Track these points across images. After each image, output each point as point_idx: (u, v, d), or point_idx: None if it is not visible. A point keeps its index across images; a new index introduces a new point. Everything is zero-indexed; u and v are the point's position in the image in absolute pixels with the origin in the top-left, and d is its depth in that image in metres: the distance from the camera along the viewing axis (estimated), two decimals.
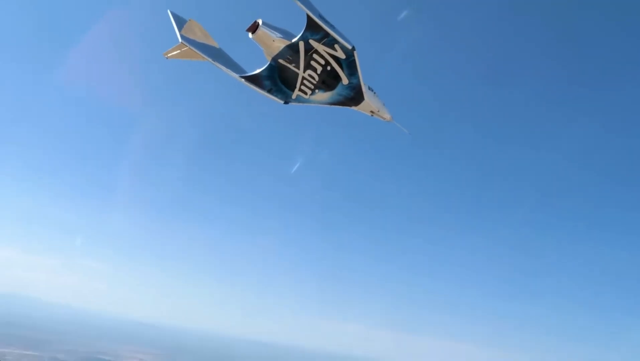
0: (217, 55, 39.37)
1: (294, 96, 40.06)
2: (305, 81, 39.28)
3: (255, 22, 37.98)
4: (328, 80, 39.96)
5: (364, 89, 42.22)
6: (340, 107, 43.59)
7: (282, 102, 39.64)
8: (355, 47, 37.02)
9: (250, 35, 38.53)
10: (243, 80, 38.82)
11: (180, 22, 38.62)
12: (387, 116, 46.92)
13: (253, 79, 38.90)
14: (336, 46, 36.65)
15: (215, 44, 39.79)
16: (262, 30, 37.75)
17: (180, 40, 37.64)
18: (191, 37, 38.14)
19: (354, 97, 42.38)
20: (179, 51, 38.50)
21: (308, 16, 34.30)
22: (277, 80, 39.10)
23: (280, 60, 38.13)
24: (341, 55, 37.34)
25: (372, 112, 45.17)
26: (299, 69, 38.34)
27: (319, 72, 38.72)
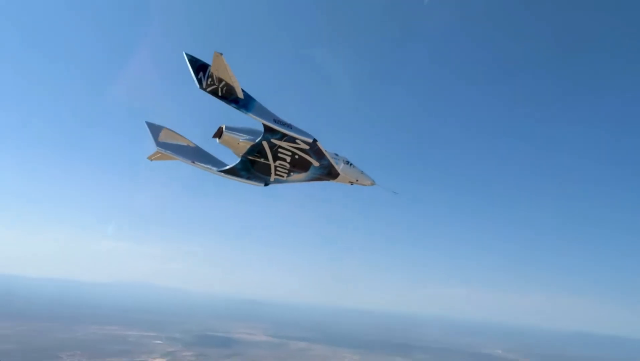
0: (194, 153, 42.05)
1: (271, 179, 42.08)
2: (278, 169, 41.65)
3: (220, 127, 40.37)
4: (299, 165, 42.11)
5: (337, 167, 44.05)
6: (320, 181, 45.26)
7: (262, 184, 41.68)
8: (316, 139, 39.73)
9: (217, 140, 40.88)
10: (222, 173, 41.18)
11: (156, 130, 41.34)
12: (368, 182, 47.56)
13: (230, 172, 41.10)
14: (298, 140, 39.38)
15: (192, 143, 42.45)
16: (226, 134, 40.20)
17: (156, 148, 40.61)
18: (168, 141, 41.18)
19: (329, 173, 44.30)
20: (159, 155, 40.96)
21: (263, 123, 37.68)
22: (252, 170, 41.28)
23: (249, 157, 40.47)
24: (305, 146, 40.11)
25: (350, 182, 46.20)
26: (268, 161, 40.78)
27: (288, 160, 41.16)
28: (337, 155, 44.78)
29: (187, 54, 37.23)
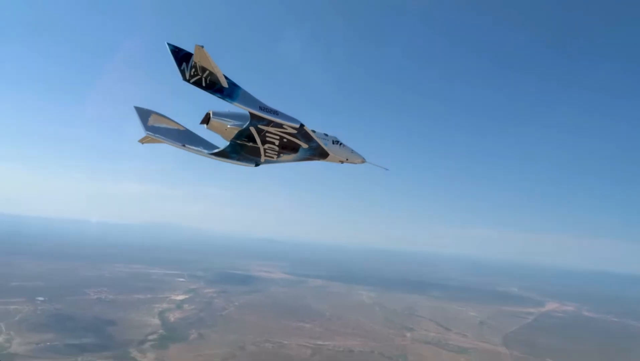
0: (184, 136, 42.42)
1: (262, 160, 42.52)
2: (267, 151, 41.97)
3: (207, 113, 40.24)
4: (288, 148, 42.44)
5: (326, 147, 44.51)
6: (310, 161, 45.98)
7: (253, 165, 42.52)
8: (303, 124, 39.83)
9: (205, 126, 40.71)
10: (212, 156, 41.49)
11: (145, 115, 42.26)
12: (358, 160, 48.31)
13: (221, 154, 41.38)
14: (285, 125, 39.61)
15: (181, 127, 42.95)
16: (214, 120, 40.19)
17: (145, 132, 41.38)
18: (157, 125, 41.95)
19: (319, 154, 44.83)
20: (149, 138, 41.40)
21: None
22: (242, 152, 41.59)
23: (238, 141, 40.77)
24: (292, 131, 40.35)
25: (341, 161, 47.17)
26: (257, 144, 41.08)
27: (277, 143, 41.42)
28: (326, 135, 45.53)
29: (169, 44, 36.57)
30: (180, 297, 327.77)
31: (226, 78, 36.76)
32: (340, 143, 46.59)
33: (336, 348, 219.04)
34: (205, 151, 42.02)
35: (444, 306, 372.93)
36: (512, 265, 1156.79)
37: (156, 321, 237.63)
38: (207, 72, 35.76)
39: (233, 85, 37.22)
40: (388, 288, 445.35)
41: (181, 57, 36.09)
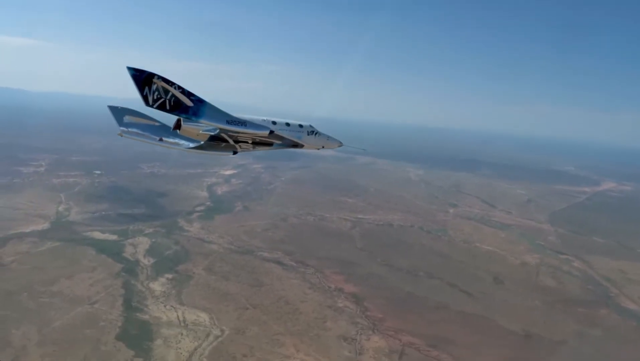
0: (161, 130, 43.20)
1: (238, 150, 43.75)
2: (242, 146, 43.46)
3: (178, 119, 39.17)
4: (262, 145, 43.86)
5: (300, 140, 45.63)
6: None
7: (230, 154, 44.03)
8: (272, 130, 41.17)
9: (178, 132, 40.08)
10: (190, 150, 42.85)
11: (119, 113, 43.93)
12: (335, 145, 50.05)
13: (199, 148, 42.33)
14: (254, 132, 40.52)
15: (156, 122, 43.44)
16: (185, 126, 39.54)
17: (120, 132, 43.30)
18: (132, 122, 43.16)
19: (294, 145, 46.12)
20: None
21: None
22: (218, 148, 42.71)
23: (212, 142, 41.67)
24: (263, 135, 41.18)
25: (317, 148, 48.48)
26: (231, 143, 42.19)
27: (250, 142, 42.79)
28: (301, 126, 46.22)
29: (129, 68, 35.47)
30: (229, 172, 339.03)
31: (191, 95, 36.89)
32: (316, 133, 47.65)
33: (376, 221, 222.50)
34: (183, 145, 42.96)
35: (493, 184, 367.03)
36: (571, 143, 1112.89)
37: (204, 194, 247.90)
38: (170, 93, 35.82)
39: (198, 102, 37.44)
40: (436, 166, 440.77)
41: (143, 79, 35.46)
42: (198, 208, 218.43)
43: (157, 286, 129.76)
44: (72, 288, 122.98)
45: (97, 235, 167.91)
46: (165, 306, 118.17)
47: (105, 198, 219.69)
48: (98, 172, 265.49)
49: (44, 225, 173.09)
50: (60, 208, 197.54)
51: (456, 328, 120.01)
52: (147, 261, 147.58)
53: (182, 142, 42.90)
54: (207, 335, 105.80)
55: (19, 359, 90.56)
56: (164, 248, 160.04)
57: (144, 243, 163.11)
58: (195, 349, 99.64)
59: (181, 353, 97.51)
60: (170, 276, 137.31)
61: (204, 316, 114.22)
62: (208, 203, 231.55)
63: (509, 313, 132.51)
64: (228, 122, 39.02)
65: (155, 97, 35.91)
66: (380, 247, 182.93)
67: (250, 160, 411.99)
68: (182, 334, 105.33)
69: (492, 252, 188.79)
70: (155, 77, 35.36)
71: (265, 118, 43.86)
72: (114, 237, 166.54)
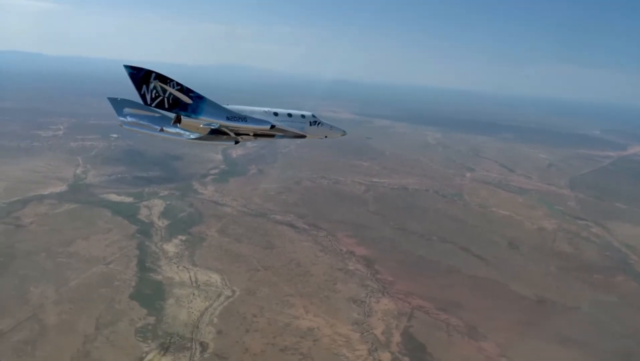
0: (161, 121, 43.70)
1: (240, 141, 44.09)
2: (243, 138, 43.79)
3: (177, 115, 38.41)
4: (264, 137, 44.36)
5: (303, 131, 45.90)
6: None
7: (232, 143, 44.28)
8: (273, 125, 41.80)
9: (178, 125, 39.66)
10: (191, 141, 43.45)
11: (119, 105, 44.58)
12: (339, 134, 50.70)
13: (200, 139, 42.51)
14: (255, 127, 41.51)
15: (156, 113, 42.96)
16: (186, 120, 38.67)
17: (120, 123, 44.73)
18: (132, 113, 44.09)
19: (296, 136, 46.27)
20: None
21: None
22: (220, 138, 42.71)
23: (213, 134, 41.55)
24: (264, 129, 42.06)
25: (320, 138, 49.19)
26: (232, 135, 42.35)
27: (251, 134, 43.24)
28: (303, 116, 46.08)
29: (126, 66, 35.35)
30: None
31: (190, 92, 36.97)
32: (319, 123, 47.49)
33: (391, 185, 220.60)
34: (185, 135, 42.94)
35: (513, 148, 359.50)
36: (598, 106, 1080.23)
37: (219, 157, 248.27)
38: (168, 92, 35.89)
39: (198, 99, 37.71)
40: (456, 130, 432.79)
41: (140, 78, 35.36)
42: (212, 171, 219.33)
43: (170, 247, 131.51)
44: (88, 248, 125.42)
45: (113, 197, 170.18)
46: (178, 267, 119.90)
47: (122, 161, 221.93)
48: (115, 135, 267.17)
49: (62, 188, 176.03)
50: (78, 171, 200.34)
51: (467, 293, 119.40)
52: (161, 223, 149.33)
53: (183, 132, 43.18)
54: (218, 296, 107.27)
55: (37, 316, 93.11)
56: (178, 211, 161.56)
57: (158, 205, 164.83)
58: (206, 309, 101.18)
59: (192, 313, 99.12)
60: (183, 238, 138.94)
61: (215, 277, 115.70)
62: (222, 166, 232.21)
63: (523, 278, 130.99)
64: (228, 118, 39.56)
65: (153, 96, 36.26)
66: (393, 211, 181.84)
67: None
68: (193, 294, 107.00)
69: (509, 216, 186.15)
70: (152, 75, 35.21)
71: (266, 109, 43.88)
72: (129, 199, 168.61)
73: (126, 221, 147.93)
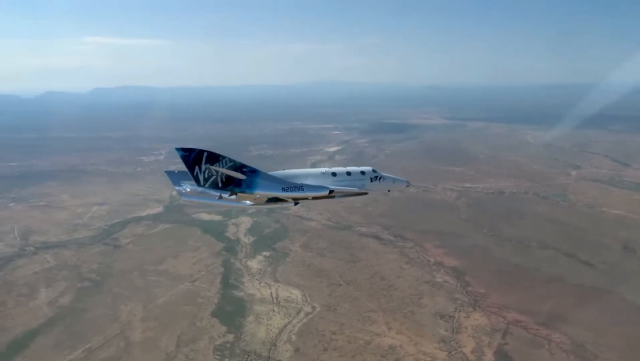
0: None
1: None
2: (302, 201, 41.50)
3: (232, 192, 37.50)
4: (322, 199, 41.50)
5: (364, 189, 43.24)
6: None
7: (292, 204, 41.50)
8: (331, 189, 39.79)
9: (234, 197, 38.33)
10: (250, 206, 41.33)
11: (176, 178, 41.82)
12: (403, 186, 47.39)
13: (259, 204, 40.59)
14: (313, 195, 39.76)
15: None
16: (241, 194, 37.89)
17: (181, 199, 43.43)
18: (191, 183, 40.17)
19: (359, 194, 44.03)
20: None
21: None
22: (279, 202, 40.67)
23: (271, 201, 40.25)
24: (322, 196, 40.22)
25: (384, 192, 47.32)
26: (290, 201, 40.42)
27: (310, 199, 40.48)
28: (363, 173, 43.75)
29: (178, 149, 35.38)
30: (333, 148, 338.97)
31: (243, 167, 36.44)
32: (380, 178, 44.80)
33: (485, 190, 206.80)
34: (248, 203, 41.68)
35: (626, 141, 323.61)
36: None
37: None
38: (221, 172, 35.73)
39: (251, 173, 36.98)
40: (558, 126, 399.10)
41: (192, 160, 35.15)
42: None
43: (254, 263, 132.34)
44: (176, 266, 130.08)
45: (204, 216, 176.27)
46: (260, 283, 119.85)
47: None
48: None
49: (158, 209, 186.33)
50: (174, 193, 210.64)
51: (572, 304, 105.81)
52: (247, 239, 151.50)
53: (246, 201, 42.23)
54: (298, 312, 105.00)
55: (124, 333, 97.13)
56: (264, 227, 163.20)
57: (245, 222, 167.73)
58: (285, 326, 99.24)
59: (271, 330, 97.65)
60: (267, 254, 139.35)
61: (296, 293, 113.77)
62: None
63: None
64: (284, 190, 38.22)
65: (206, 176, 35.80)
66: (487, 217, 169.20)
67: (355, 135, 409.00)
68: (273, 311, 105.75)
69: (622, 216, 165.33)
70: (204, 158, 34.85)
71: (324, 170, 42.30)
72: (218, 218, 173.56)
73: (214, 239, 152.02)
